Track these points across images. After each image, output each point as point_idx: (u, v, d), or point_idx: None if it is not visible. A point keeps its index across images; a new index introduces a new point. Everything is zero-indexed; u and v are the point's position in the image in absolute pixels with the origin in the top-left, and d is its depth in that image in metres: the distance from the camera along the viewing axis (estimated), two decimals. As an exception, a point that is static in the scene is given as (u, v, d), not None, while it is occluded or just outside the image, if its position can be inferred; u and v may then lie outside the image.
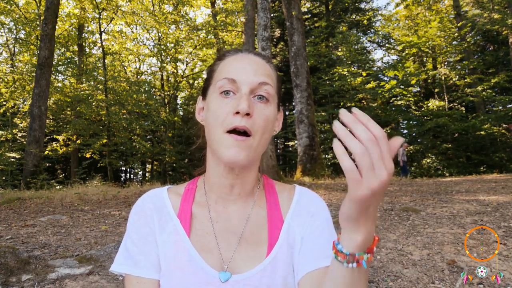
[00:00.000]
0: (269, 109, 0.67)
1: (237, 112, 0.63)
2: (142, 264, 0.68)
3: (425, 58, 18.93)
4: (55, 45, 12.22)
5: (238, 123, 0.63)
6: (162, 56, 16.83)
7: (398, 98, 16.16)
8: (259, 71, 0.68)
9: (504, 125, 14.46)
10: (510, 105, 14.39)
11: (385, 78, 17.87)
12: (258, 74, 0.67)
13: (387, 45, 21.56)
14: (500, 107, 14.66)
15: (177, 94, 19.41)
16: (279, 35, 20.03)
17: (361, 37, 20.37)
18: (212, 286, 0.64)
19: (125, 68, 20.14)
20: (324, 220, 0.73)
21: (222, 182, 0.71)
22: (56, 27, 11.19)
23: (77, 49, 16.81)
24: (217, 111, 0.66)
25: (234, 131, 0.63)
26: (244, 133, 0.64)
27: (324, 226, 0.71)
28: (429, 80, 18.23)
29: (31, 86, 13.12)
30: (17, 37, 15.20)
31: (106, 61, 15.45)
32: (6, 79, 14.19)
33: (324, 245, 0.68)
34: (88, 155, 13.69)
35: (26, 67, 15.30)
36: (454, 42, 16.41)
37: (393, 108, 16.43)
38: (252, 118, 0.64)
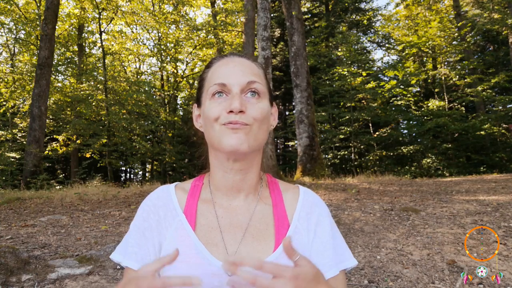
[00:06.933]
0: (263, 103, 0.71)
1: (231, 111, 0.66)
2: (133, 256, 0.71)
3: (425, 58, 18.88)
4: (55, 45, 12.21)
5: (232, 119, 0.66)
6: (162, 56, 16.80)
7: (398, 98, 16.12)
8: (247, 71, 0.71)
9: (504, 125, 14.43)
10: (510, 105, 14.37)
11: (385, 78, 17.82)
12: (246, 74, 0.70)
13: (387, 45, 21.54)
14: (500, 107, 14.63)
15: (177, 94, 19.37)
16: (279, 35, 20.01)
17: (361, 37, 20.35)
18: (218, 278, 0.66)
19: (125, 68, 20.12)
20: (330, 225, 0.76)
21: (226, 180, 0.74)
22: (56, 27, 11.18)
23: (77, 49, 16.78)
24: (212, 110, 0.68)
25: (230, 124, 0.66)
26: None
27: (329, 234, 0.75)
28: (429, 80, 18.20)
29: (31, 86, 13.11)
30: (17, 37, 15.17)
31: (106, 61, 15.43)
32: (6, 79, 14.17)
33: (332, 253, 0.72)
34: (88, 155, 13.69)
35: (26, 67, 15.27)
36: (454, 42, 16.36)
37: (393, 108, 16.39)
38: (246, 114, 0.67)
